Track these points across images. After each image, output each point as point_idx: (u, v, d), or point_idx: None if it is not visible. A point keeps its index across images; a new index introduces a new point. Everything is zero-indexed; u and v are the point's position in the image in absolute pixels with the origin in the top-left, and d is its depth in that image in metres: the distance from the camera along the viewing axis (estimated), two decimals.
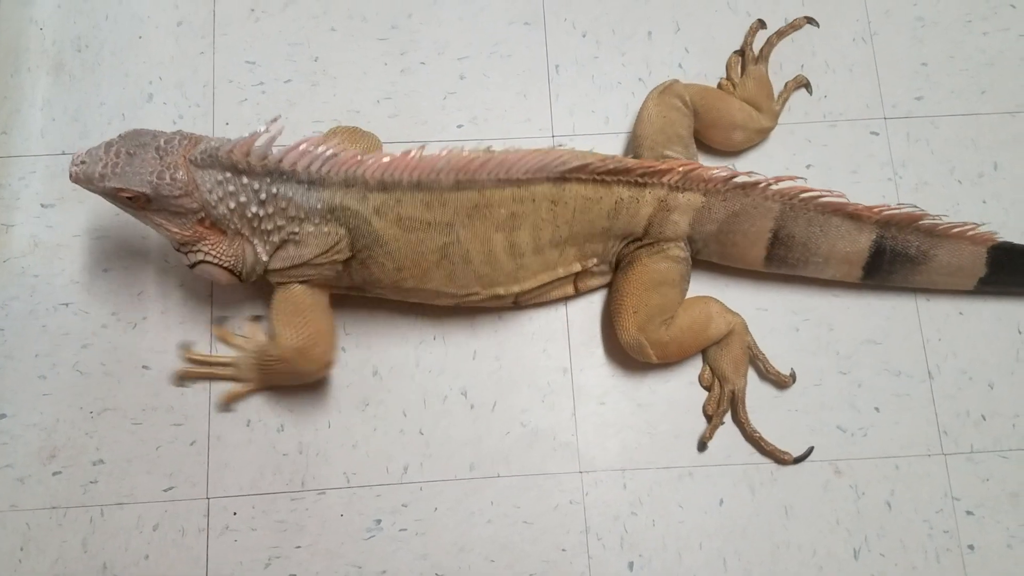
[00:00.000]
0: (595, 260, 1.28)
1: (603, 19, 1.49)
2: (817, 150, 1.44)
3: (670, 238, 1.26)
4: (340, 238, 1.18)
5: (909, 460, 1.32)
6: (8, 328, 1.35)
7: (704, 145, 1.41)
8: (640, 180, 1.22)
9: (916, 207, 1.27)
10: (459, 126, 1.44)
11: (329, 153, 1.14)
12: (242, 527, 1.28)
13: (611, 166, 1.21)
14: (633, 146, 1.34)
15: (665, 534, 1.29)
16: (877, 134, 1.45)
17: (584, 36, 1.49)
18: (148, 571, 1.27)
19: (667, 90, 1.34)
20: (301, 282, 1.23)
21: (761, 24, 1.47)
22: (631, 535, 1.29)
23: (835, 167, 1.43)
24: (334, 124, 1.38)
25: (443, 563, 1.27)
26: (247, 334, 1.33)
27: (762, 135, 1.42)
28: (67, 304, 1.36)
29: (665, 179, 1.23)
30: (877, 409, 1.34)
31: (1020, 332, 1.36)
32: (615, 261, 1.30)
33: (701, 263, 1.33)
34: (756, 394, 1.33)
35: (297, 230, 1.18)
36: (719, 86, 1.45)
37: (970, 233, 1.28)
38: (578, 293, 1.34)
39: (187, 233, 1.18)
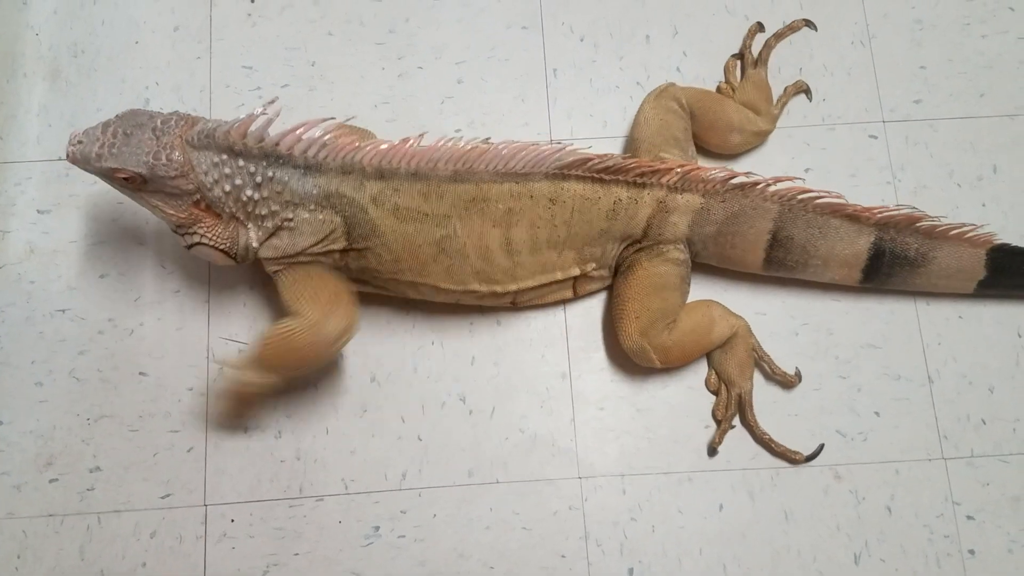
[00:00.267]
0: (594, 264, 1.27)
1: (601, 22, 1.49)
2: (816, 153, 1.43)
3: (669, 240, 1.25)
4: (335, 226, 1.17)
5: (909, 464, 1.32)
6: (4, 335, 1.34)
7: (702, 148, 1.40)
8: (639, 180, 1.22)
9: (915, 208, 1.27)
10: (457, 130, 1.44)
11: (327, 138, 1.13)
12: (240, 534, 1.28)
13: (610, 163, 1.20)
14: (630, 149, 1.34)
15: (665, 540, 1.28)
16: (876, 137, 1.44)
17: (582, 40, 1.48)
18: None
19: (663, 93, 1.34)
20: (302, 263, 1.20)
21: (759, 27, 1.47)
22: (631, 541, 1.28)
23: (834, 170, 1.43)
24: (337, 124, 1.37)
25: (442, 570, 1.27)
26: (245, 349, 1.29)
27: (760, 138, 1.41)
28: (64, 310, 1.35)
29: (664, 180, 1.23)
30: (877, 413, 1.33)
31: (1020, 336, 1.36)
32: (614, 265, 1.29)
33: (700, 267, 1.33)
34: (756, 399, 1.32)
35: (292, 216, 1.16)
36: (718, 90, 1.45)
37: (969, 235, 1.27)
38: (576, 296, 1.34)
39: (182, 215, 1.16)
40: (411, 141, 1.15)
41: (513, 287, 1.26)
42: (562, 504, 1.30)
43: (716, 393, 1.33)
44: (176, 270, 1.37)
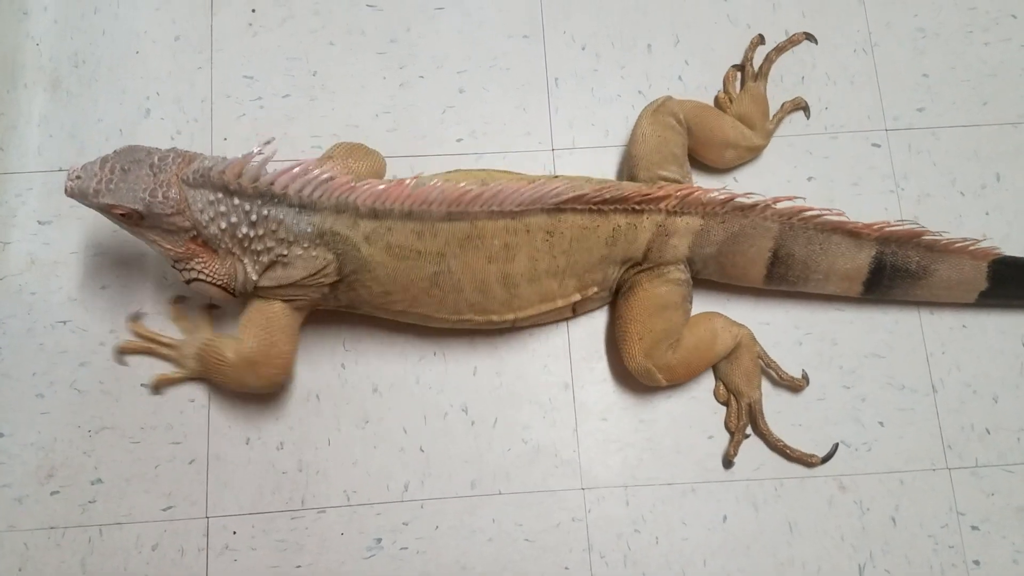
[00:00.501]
0: (595, 288, 1.27)
1: (602, 32, 1.49)
2: (818, 162, 1.43)
3: (670, 262, 1.25)
4: (328, 263, 1.18)
5: (914, 475, 1.31)
6: (5, 346, 1.34)
7: (696, 162, 1.39)
8: (637, 207, 1.22)
9: (916, 223, 1.26)
10: (458, 140, 1.43)
11: (322, 178, 1.13)
12: (242, 546, 1.27)
13: (607, 195, 1.20)
14: (628, 165, 1.34)
15: (669, 551, 1.28)
16: (878, 146, 1.44)
17: (583, 49, 1.48)
18: None
19: (661, 108, 1.33)
20: (284, 300, 1.22)
21: (761, 39, 1.46)
22: (634, 553, 1.28)
23: (836, 179, 1.42)
24: (333, 139, 1.38)
25: None
26: (197, 322, 1.33)
27: (753, 153, 1.41)
28: (65, 322, 1.35)
29: (662, 205, 1.22)
30: (881, 424, 1.33)
31: None
32: (615, 287, 1.29)
33: (701, 280, 1.32)
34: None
35: (286, 252, 1.17)
36: (716, 99, 1.44)
37: (971, 248, 1.27)
38: (576, 315, 1.34)
39: (180, 250, 1.18)
40: (407, 182, 1.15)
41: (511, 316, 1.26)
42: (565, 516, 1.29)
43: (726, 404, 1.33)
44: (177, 281, 1.36)
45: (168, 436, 1.31)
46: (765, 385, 1.34)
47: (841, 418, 1.33)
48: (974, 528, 1.29)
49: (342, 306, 1.26)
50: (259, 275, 1.19)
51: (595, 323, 1.36)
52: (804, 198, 1.26)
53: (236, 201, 1.14)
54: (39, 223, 1.39)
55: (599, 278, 1.26)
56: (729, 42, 1.48)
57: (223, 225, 1.15)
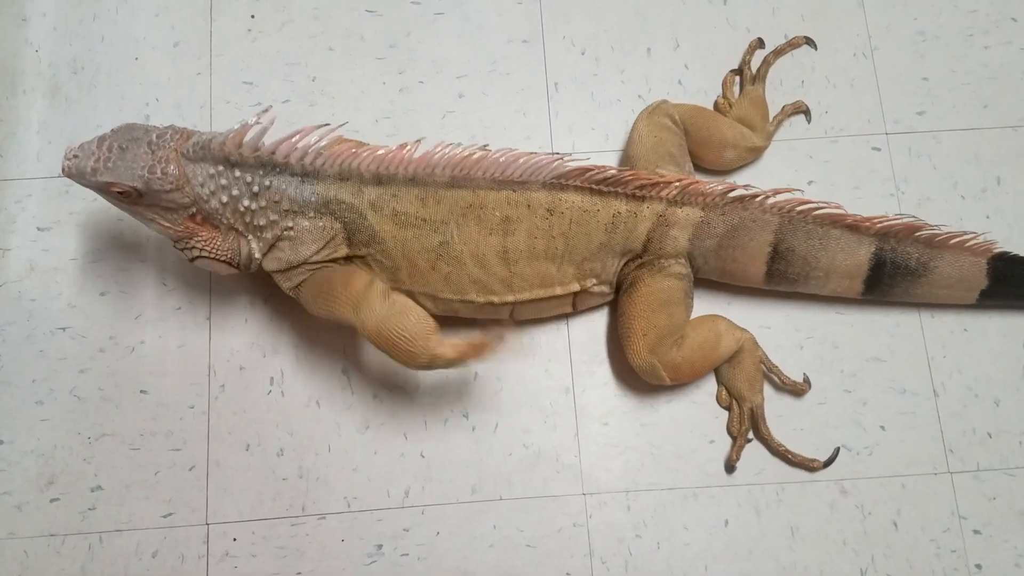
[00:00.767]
0: (594, 280, 1.27)
1: (602, 36, 1.49)
2: (819, 166, 1.43)
3: (670, 255, 1.25)
4: (336, 232, 1.17)
5: (915, 479, 1.31)
6: (5, 353, 1.34)
7: (697, 164, 1.39)
8: (638, 193, 1.22)
9: (915, 218, 1.26)
10: (458, 144, 1.43)
11: (323, 144, 1.13)
12: (242, 553, 1.27)
13: (608, 175, 1.20)
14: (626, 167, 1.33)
15: (670, 557, 1.27)
16: (879, 149, 1.44)
17: (583, 53, 1.48)
18: None
19: (656, 110, 1.34)
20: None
21: (760, 43, 1.46)
22: (636, 558, 1.27)
23: (837, 183, 1.42)
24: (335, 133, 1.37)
25: None
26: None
27: (754, 154, 1.41)
28: (64, 328, 1.35)
29: (663, 193, 1.22)
30: (882, 427, 1.33)
31: None
32: (615, 282, 1.28)
33: (702, 282, 1.32)
34: None
35: (291, 224, 1.16)
36: (715, 104, 1.44)
37: (970, 243, 1.27)
38: (576, 311, 1.33)
39: (179, 228, 1.16)
40: (408, 147, 1.15)
41: (510, 298, 1.25)
42: (567, 521, 1.29)
43: (728, 409, 1.33)
44: (177, 287, 1.36)
45: (168, 443, 1.31)
46: (766, 389, 1.33)
47: (842, 422, 1.32)
48: (976, 532, 1.29)
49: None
50: (263, 253, 1.18)
51: (595, 326, 1.36)
52: (802, 191, 1.26)
53: (237, 173, 1.13)
54: (38, 229, 1.39)
55: (598, 268, 1.26)
56: (729, 46, 1.48)
57: (224, 199, 1.14)
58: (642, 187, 1.22)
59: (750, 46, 1.46)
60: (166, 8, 1.49)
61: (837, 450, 1.31)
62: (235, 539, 1.27)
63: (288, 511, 1.29)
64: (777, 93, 1.45)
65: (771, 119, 1.42)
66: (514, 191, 1.19)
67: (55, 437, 1.31)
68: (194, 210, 1.15)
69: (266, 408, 1.32)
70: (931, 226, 1.26)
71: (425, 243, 1.19)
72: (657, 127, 1.33)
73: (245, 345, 1.35)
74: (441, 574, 1.26)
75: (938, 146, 1.44)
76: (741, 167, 1.42)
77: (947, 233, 1.26)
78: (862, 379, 1.34)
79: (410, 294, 1.24)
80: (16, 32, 1.48)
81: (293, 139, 1.12)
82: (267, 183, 1.14)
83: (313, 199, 1.15)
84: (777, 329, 1.36)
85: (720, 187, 1.23)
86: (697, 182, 1.23)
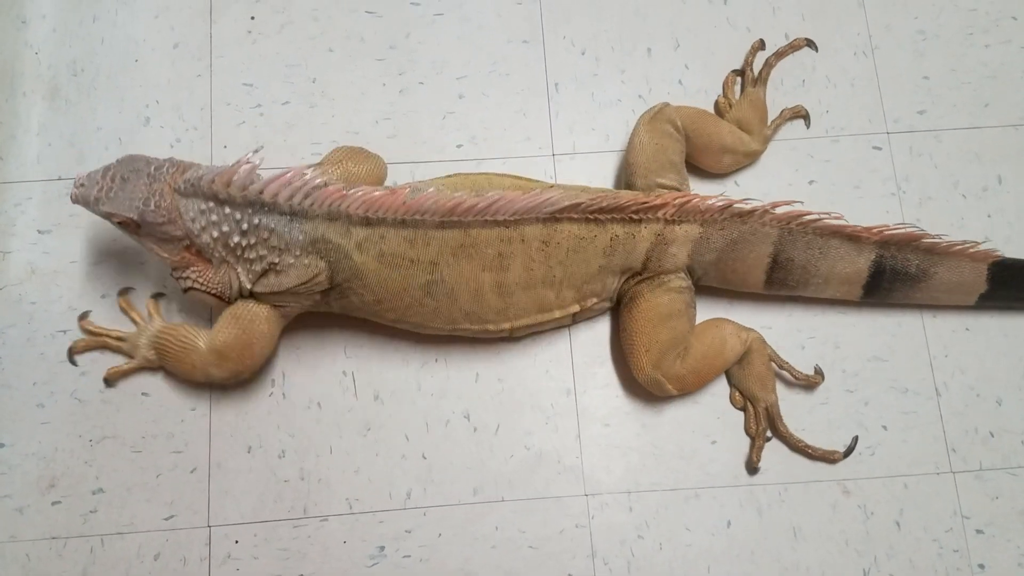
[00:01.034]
0: (595, 299, 1.27)
1: (602, 36, 1.48)
2: (819, 165, 1.43)
3: (669, 270, 1.25)
4: (320, 271, 1.18)
5: (917, 479, 1.31)
6: (5, 356, 1.33)
7: (693, 168, 1.39)
8: (634, 216, 1.21)
9: (916, 226, 1.26)
10: (458, 146, 1.43)
11: (313, 184, 1.13)
12: (244, 555, 1.27)
13: (603, 204, 1.19)
14: (626, 173, 1.33)
15: (672, 558, 1.27)
16: (880, 149, 1.44)
17: (583, 53, 1.48)
18: None
19: (658, 115, 1.33)
20: (273, 305, 1.22)
21: (761, 44, 1.46)
22: (638, 559, 1.27)
23: (838, 182, 1.42)
24: (333, 146, 1.36)
25: None
26: (149, 311, 1.33)
27: (751, 158, 1.41)
28: (65, 331, 1.34)
29: (660, 214, 1.22)
30: (884, 427, 1.32)
31: None
32: (615, 297, 1.28)
33: (701, 286, 1.32)
34: None
35: (278, 260, 1.17)
36: (716, 104, 1.44)
37: (971, 251, 1.27)
38: (575, 323, 1.33)
39: (176, 259, 1.20)
40: (400, 192, 1.15)
41: (507, 325, 1.25)
42: (569, 522, 1.29)
43: (743, 410, 1.32)
44: (177, 290, 1.36)
45: (169, 445, 1.30)
46: (783, 387, 1.33)
47: (844, 422, 1.32)
48: (979, 532, 1.29)
49: (334, 312, 1.26)
50: (252, 283, 1.19)
51: (597, 328, 1.36)
52: (802, 202, 1.25)
53: (227, 210, 1.14)
54: (39, 232, 1.39)
55: (598, 288, 1.25)
56: (729, 46, 1.48)
57: (215, 234, 1.16)
58: (638, 211, 1.21)
59: (752, 47, 1.46)
60: (166, 10, 1.49)
61: (855, 439, 1.31)
62: (237, 541, 1.27)
63: (290, 513, 1.28)
64: (778, 92, 1.44)
65: (769, 123, 1.42)
66: (507, 228, 1.18)
67: (56, 440, 1.30)
68: (188, 242, 1.18)
69: (267, 410, 1.32)
70: (932, 235, 1.26)
71: (412, 282, 1.19)
72: (659, 134, 1.32)
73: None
74: (443, 575, 1.27)
75: (939, 145, 1.44)
76: (736, 171, 1.42)
77: (948, 242, 1.26)
78: (864, 379, 1.34)
79: (397, 321, 1.25)
80: (16, 34, 1.47)
81: (282, 179, 1.13)
82: (256, 221, 1.15)
83: (300, 238, 1.16)
84: (779, 330, 1.35)
85: (719, 203, 1.23)
86: (695, 198, 1.22)
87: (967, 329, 1.36)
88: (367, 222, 1.15)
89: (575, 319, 1.30)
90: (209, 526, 1.28)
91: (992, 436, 1.32)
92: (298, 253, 1.16)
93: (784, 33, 1.48)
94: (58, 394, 1.32)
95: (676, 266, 1.25)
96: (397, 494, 1.29)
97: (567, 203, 1.18)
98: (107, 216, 1.18)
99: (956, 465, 1.31)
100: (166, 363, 1.28)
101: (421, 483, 1.30)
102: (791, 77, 1.46)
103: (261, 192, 1.13)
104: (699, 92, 1.46)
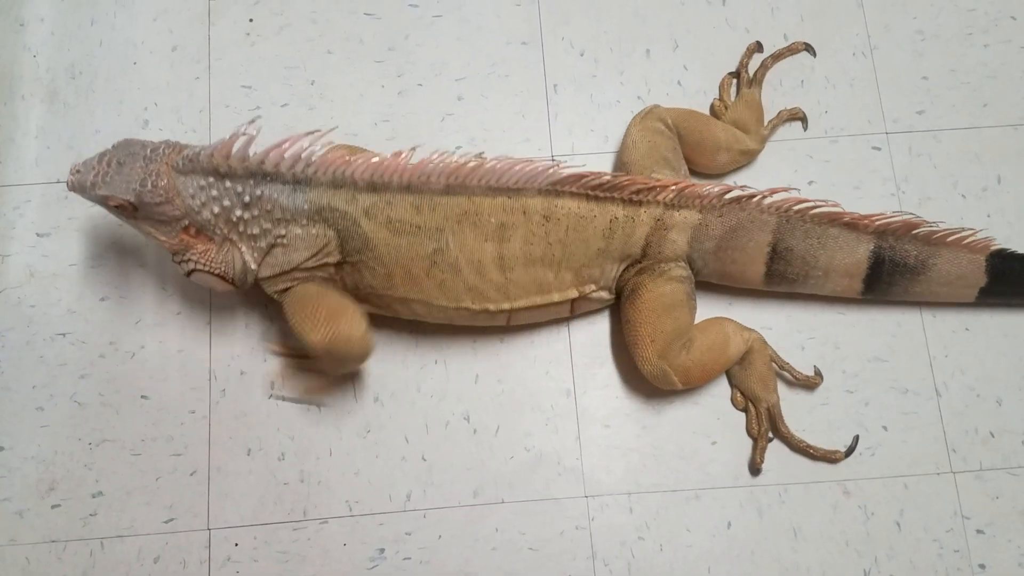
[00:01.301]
0: (593, 286, 1.26)
1: (601, 37, 1.48)
2: (819, 166, 1.43)
3: (669, 258, 1.25)
4: (328, 240, 1.17)
5: (918, 479, 1.31)
6: (5, 359, 1.33)
7: (691, 168, 1.38)
8: (634, 198, 1.21)
9: (913, 215, 1.26)
10: (458, 147, 1.43)
11: (313, 151, 1.13)
12: (244, 558, 1.27)
13: (604, 180, 1.20)
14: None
15: (673, 559, 1.27)
16: (879, 149, 1.44)
17: (582, 55, 1.48)
18: None
19: (648, 115, 1.33)
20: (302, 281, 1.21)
21: (758, 46, 1.46)
22: (638, 560, 1.27)
23: (837, 183, 1.42)
24: (330, 146, 1.36)
25: None
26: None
27: (748, 157, 1.41)
28: (64, 334, 1.34)
29: (660, 197, 1.22)
30: (885, 428, 1.32)
31: None
32: (615, 287, 1.28)
33: (702, 285, 1.31)
34: None
35: (284, 232, 1.17)
36: (712, 106, 1.44)
37: (968, 240, 1.27)
38: (574, 315, 1.33)
39: (174, 241, 1.18)
40: (403, 155, 1.15)
41: (506, 305, 1.25)
42: (569, 524, 1.29)
43: (745, 411, 1.32)
44: (177, 292, 1.36)
45: (169, 448, 1.30)
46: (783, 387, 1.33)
47: (844, 422, 1.32)
48: (979, 532, 1.29)
49: (348, 294, 1.24)
50: (258, 263, 1.19)
51: (597, 328, 1.36)
52: (799, 189, 1.26)
53: (228, 184, 1.14)
54: (37, 235, 1.39)
55: (596, 274, 1.25)
56: (728, 47, 1.48)
57: (216, 210, 1.15)
58: (639, 191, 1.21)
59: (748, 49, 1.45)
60: (164, 12, 1.49)
61: (856, 438, 1.31)
62: (237, 544, 1.27)
63: (290, 515, 1.28)
64: (777, 93, 1.44)
65: (766, 123, 1.42)
66: (509, 198, 1.19)
67: (56, 443, 1.30)
68: (186, 222, 1.17)
69: (267, 412, 1.32)
70: (929, 223, 1.26)
71: (420, 250, 1.19)
72: (650, 132, 1.32)
73: (246, 349, 1.34)
74: None
75: (938, 145, 1.44)
76: (735, 170, 1.42)
77: (945, 230, 1.26)
78: (864, 379, 1.34)
79: (404, 301, 1.24)
80: (14, 37, 1.47)
81: (282, 147, 1.12)
82: (258, 192, 1.14)
83: (306, 207, 1.15)
84: (778, 330, 1.35)
85: (717, 189, 1.23)
86: (694, 185, 1.23)
87: (967, 329, 1.36)
88: (373, 188, 1.15)
89: (574, 308, 1.29)
90: (209, 529, 1.28)
91: (992, 436, 1.32)
92: (304, 223, 1.16)
93: (783, 34, 1.48)
94: (57, 397, 1.32)
95: (676, 253, 1.25)
96: (397, 496, 1.29)
97: (569, 173, 1.18)
98: (103, 201, 1.15)
99: (956, 465, 1.31)
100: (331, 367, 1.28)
101: (421, 485, 1.30)
102: (790, 78, 1.46)
103: (262, 162, 1.12)
104: (698, 93, 1.46)
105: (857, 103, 1.46)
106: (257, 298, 1.35)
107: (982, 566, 1.28)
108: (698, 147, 1.36)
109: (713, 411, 1.33)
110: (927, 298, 1.33)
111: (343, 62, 1.47)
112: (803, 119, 1.44)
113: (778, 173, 1.42)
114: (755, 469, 1.30)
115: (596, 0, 1.50)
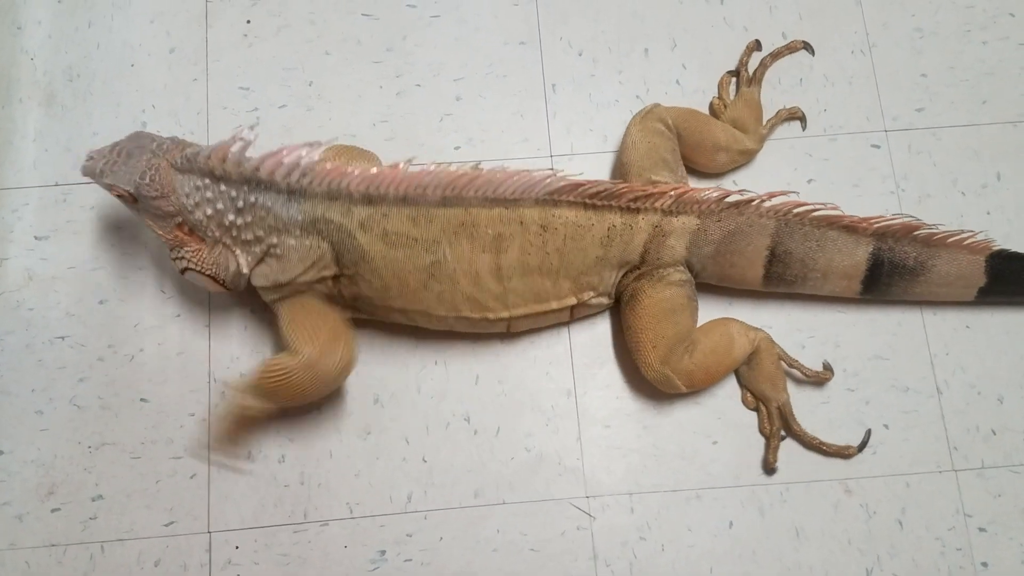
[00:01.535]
0: (591, 293, 1.26)
1: (599, 37, 1.48)
2: (818, 164, 1.42)
3: (668, 264, 1.24)
4: (323, 252, 1.17)
5: (919, 477, 1.30)
6: (4, 363, 1.33)
7: (690, 167, 1.38)
8: (632, 205, 1.21)
9: (913, 217, 1.26)
10: (456, 147, 1.43)
11: (311, 161, 1.12)
12: (245, 561, 1.26)
13: (601, 189, 1.19)
14: (620, 174, 1.33)
15: (675, 559, 1.27)
16: (878, 147, 1.43)
17: (580, 54, 1.47)
18: None
19: (649, 115, 1.33)
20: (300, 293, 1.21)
21: (757, 45, 1.46)
22: (640, 561, 1.27)
23: (837, 181, 1.42)
24: (330, 144, 1.36)
25: None
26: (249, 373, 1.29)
27: (746, 156, 1.40)
28: (63, 337, 1.34)
29: (658, 204, 1.22)
30: (886, 426, 1.32)
31: None
32: (614, 292, 1.28)
33: (701, 285, 1.31)
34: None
35: (276, 241, 1.16)
36: (711, 105, 1.44)
37: (968, 242, 1.26)
38: (573, 320, 1.33)
39: (169, 236, 1.20)
40: (399, 166, 1.14)
41: (505, 314, 1.24)
42: (570, 524, 1.28)
43: (756, 411, 1.32)
44: (176, 295, 1.36)
45: (169, 451, 1.30)
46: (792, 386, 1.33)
47: (845, 421, 1.32)
48: (981, 530, 1.29)
49: (347, 307, 1.25)
50: (251, 268, 1.18)
51: (597, 329, 1.36)
52: (798, 192, 1.25)
53: (222, 187, 1.14)
54: (36, 238, 1.38)
55: (595, 282, 1.25)
56: (726, 45, 1.47)
57: (209, 211, 1.15)
58: (636, 199, 1.21)
59: (747, 48, 1.45)
60: (161, 15, 1.48)
61: (869, 432, 1.30)
62: (237, 547, 1.27)
63: (290, 518, 1.28)
64: (775, 91, 1.44)
65: (765, 122, 1.42)
66: (506, 208, 1.18)
67: (55, 447, 1.30)
68: (180, 219, 1.18)
69: (266, 414, 1.31)
70: (928, 225, 1.25)
71: (416, 263, 1.18)
72: (650, 132, 1.32)
73: (245, 352, 1.34)
74: None
75: (937, 143, 1.43)
76: (734, 169, 1.41)
77: (945, 232, 1.26)
78: (865, 378, 1.34)
79: (403, 311, 1.24)
80: (11, 40, 1.47)
81: (279, 155, 1.11)
82: (252, 199, 1.14)
83: (299, 217, 1.15)
84: (779, 329, 1.35)
85: (715, 193, 1.23)
86: (692, 190, 1.23)
87: (968, 327, 1.36)
88: (369, 200, 1.15)
89: (573, 314, 1.29)
90: (209, 532, 1.28)
91: (994, 434, 1.32)
92: (298, 234, 1.15)
93: (781, 32, 1.47)
94: (57, 401, 1.32)
95: (674, 259, 1.24)
96: (398, 497, 1.29)
97: (566, 183, 1.18)
98: (108, 188, 1.18)
99: (958, 463, 1.31)
100: (283, 398, 1.20)
101: (422, 486, 1.29)
102: (788, 76, 1.46)
103: (257, 169, 1.12)
104: (696, 92, 1.46)
105: (856, 101, 1.45)
106: (256, 300, 1.34)
107: (984, 564, 1.27)
108: (698, 147, 1.36)
109: (714, 411, 1.33)
110: (926, 298, 1.33)
111: (341, 63, 1.46)
112: (802, 119, 1.44)
113: (777, 171, 1.42)
114: (769, 468, 1.30)
115: (594, 0, 1.50)
